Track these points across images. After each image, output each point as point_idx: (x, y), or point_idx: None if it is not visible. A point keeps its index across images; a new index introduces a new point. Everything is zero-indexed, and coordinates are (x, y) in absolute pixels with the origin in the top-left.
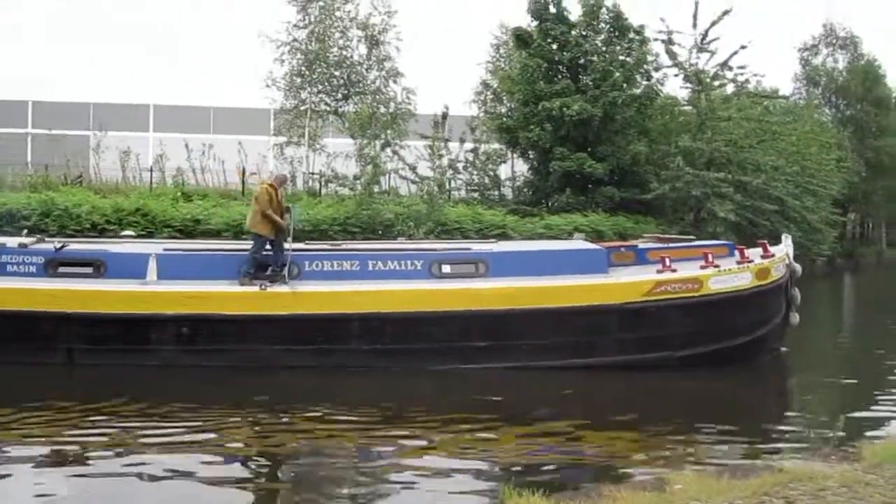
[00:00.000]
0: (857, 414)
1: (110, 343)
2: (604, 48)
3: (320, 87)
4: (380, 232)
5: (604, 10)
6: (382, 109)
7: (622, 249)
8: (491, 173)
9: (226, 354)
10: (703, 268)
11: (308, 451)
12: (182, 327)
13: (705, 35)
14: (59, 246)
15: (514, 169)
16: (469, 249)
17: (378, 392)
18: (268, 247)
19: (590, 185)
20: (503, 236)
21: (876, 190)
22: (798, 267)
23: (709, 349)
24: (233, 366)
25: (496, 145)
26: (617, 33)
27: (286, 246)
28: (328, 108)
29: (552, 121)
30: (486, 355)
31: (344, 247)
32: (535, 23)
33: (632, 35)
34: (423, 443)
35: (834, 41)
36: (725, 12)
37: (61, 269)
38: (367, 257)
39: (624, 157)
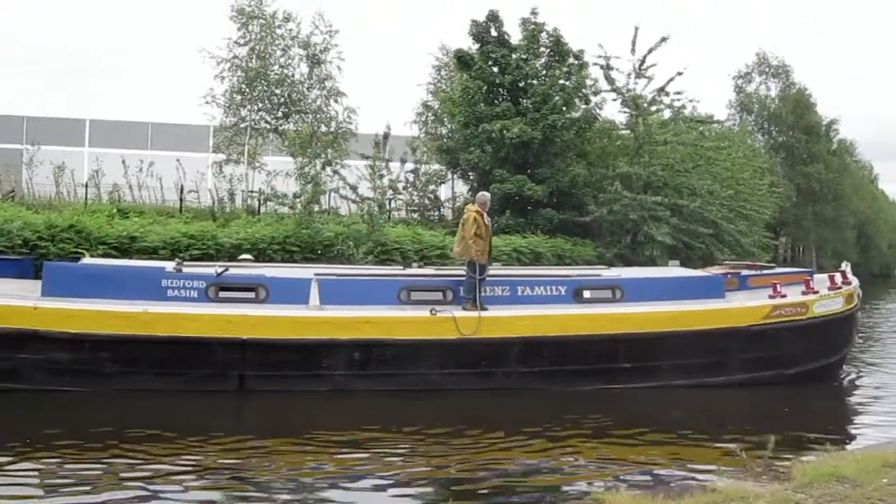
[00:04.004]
0: (792, 432)
1: (283, 369)
2: (544, 72)
3: (261, 104)
4: (319, 252)
5: (544, 34)
6: (323, 128)
7: (729, 276)
8: (431, 194)
9: (395, 379)
10: (804, 293)
11: (464, 470)
12: (354, 352)
13: (643, 61)
14: (220, 270)
15: (454, 190)
16: (599, 276)
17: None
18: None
19: (529, 207)
20: (442, 257)
21: (806, 215)
22: (860, 292)
23: (811, 367)
24: (401, 390)
25: (436, 166)
26: (557, 58)
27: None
28: (268, 126)
29: (492, 143)
30: (630, 376)
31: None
32: (477, 45)
33: (571, 60)
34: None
35: (767, 69)
36: (663, 39)
37: (222, 294)
38: (517, 283)
39: (563, 179)
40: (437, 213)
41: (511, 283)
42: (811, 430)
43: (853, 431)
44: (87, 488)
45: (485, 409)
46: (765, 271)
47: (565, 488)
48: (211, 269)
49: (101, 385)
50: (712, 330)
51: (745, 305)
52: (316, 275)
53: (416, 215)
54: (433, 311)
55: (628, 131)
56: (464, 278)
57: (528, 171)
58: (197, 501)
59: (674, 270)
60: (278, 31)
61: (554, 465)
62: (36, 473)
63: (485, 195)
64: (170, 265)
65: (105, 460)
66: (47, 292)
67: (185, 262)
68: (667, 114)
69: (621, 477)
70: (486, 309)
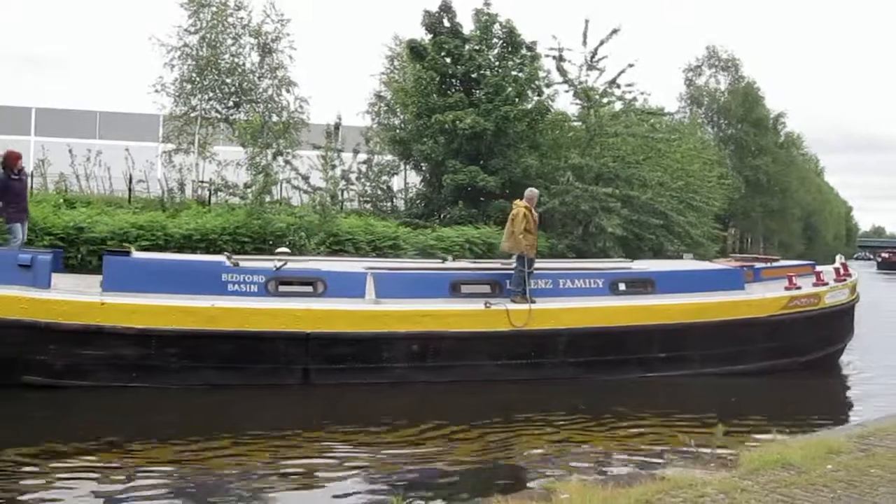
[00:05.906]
0: (739, 420)
1: (346, 362)
2: (497, 63)
3: (211, 93)
4: (270, 242)
5: (497, 25)
6: (275, 118)
7: (745, 269)
8: (384, 185)
9: (452, 370)
10: (816, 285)
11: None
12: (413, 345)
13: (594, 53)
14: (279, 265)
15: (407, 181)
16: (630, 269)
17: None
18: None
19: (482, 198)
20: (395, 248)
21: (754, 207)
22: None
23: (821, 355)
24: (457, 381)
25: (389, 157)
26: (510, 49)
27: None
28: (219, 116)
29: (445, 134)
30: (666, 365)
31: None
32: (430, 36)
33: (524, 51)
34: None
35: (716, 63)
36: (614, 31)
37: (281, 289)
38: (558, 276)
39: (515, 170)
40: (389, 204)
41: (553, 276)
42: (783, 417)
43: (828, 416)
44: (154, 482)
45: (446, 402)
46: (774, 264)
47: (518, 478)
48: (266, 263)
49: (166, 380)
50: (738, 320)
51: (766, 297)
52: (368, 268)
53: (368, 206)
54: (488, 304)
55: (580, 123)
56: (510, 272)
57: (481, 162)
58: (264, 496)
59: (695, 263)
60: (229, 20)
61: (512, 455)
62: (102, 470)
63: (533, 191)
64: (223, 259)
65: (172, 453)
66: (108, 287)
67: (233, 256)
68: (618, 106)
69: (573, 465)
70: (534, 301)
